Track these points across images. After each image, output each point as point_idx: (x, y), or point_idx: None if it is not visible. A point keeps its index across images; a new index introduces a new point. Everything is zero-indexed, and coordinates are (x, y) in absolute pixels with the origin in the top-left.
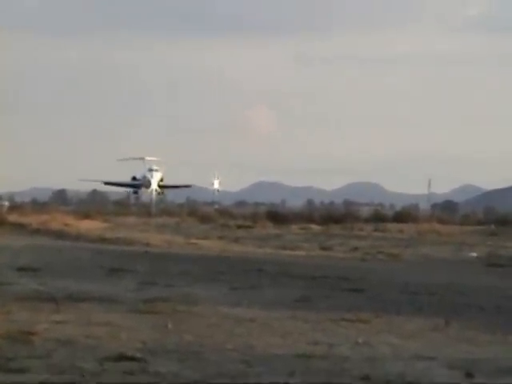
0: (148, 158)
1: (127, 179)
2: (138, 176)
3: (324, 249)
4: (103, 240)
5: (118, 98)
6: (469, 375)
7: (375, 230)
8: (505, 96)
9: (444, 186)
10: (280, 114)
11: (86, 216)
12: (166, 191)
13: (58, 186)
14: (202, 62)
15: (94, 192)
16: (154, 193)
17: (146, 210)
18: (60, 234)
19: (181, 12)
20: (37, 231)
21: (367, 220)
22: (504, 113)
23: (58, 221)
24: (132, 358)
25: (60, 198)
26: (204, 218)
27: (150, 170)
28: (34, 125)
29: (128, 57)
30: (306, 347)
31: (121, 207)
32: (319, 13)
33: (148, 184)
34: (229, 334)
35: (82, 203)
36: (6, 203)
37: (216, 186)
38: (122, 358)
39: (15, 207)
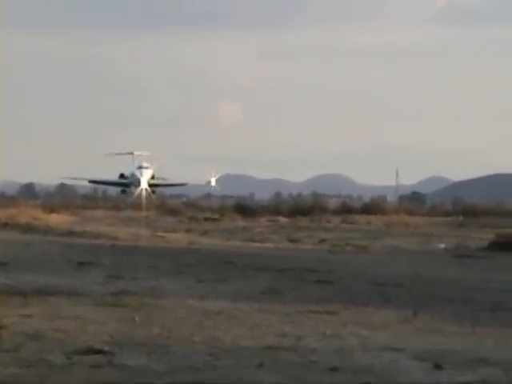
0: (137, 153)
1: (111, 176)
2: (127, 173)
3: (292, 241)
4: (71, 234)
5: (96, 93)
6: (437, 366)
7: (343, 222)
8: (472, 87)
9: (412, 178)
10: (246, 107)
11: (54, 210)
12: (158, 190)
13: (26, 180)
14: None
15: (62, 185)
16: (144, 192)
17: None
18: (28, 228)
19: (157, 10)
20: (4, 225)
21: (335, 212)
22: (471, 104)
23: (26, 214)
24: (100, 351)
25: (28, 191)
26: (171, 211)
27: (140, 168)
28: (8, 118)
29: (107, 52)
30: (273, 339)
31: (89, 201)
32: (283, 8)
33: (137, 183)
34: (196, 326)
35: (50, 197)
36: None
37: (213, 183)
38: (89, 351)
39: None
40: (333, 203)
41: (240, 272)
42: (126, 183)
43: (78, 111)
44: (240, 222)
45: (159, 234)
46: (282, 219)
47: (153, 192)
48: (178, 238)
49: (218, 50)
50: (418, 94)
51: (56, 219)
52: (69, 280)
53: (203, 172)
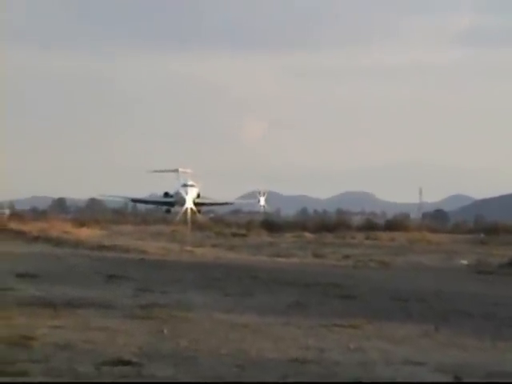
0: (182, 170)
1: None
2: (171, 192)
3: (317, 256)
4: (101, 247)
5: (109, 109)
6: (457, 379)
7: (367, 239)
8: (494, 107)
9: (435, 196)
10: (271, 124)
11: (85, 224)
12: (204, 208)
13: (57, 195)
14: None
15: (92, 200)
16: (189, 211)
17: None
18: (59, 242)
19: (175, 27)
20: (36, 238)
21: (359, 228)
22: (494, 123)
23: (57, 228)
24: (128, 363)
25: (59, 206)
26: (199, 226)
27: (185, 186)
28: (36, 135)
29: (127, 69)
30: (298, 352)
31: (118, 215)
32: (304, 28)
33: (183, 201)
34: (223, 339)
35: (80, 211)
36: (7, 211)
37: (262, 202)
38: (118, 362)
39: (15, 215)
40: (357, 220)
41: (266, 286)
42: (171, 202)
43: (104, 130)
44: (266, 237)
45: (187, 248)
46: (308, 235)
47: (198, 211)
48: (205, 253)
49: (241, 69)
50: (438, 113)
51: (86, 233)
52: (98, 293)
53: (230, 188)
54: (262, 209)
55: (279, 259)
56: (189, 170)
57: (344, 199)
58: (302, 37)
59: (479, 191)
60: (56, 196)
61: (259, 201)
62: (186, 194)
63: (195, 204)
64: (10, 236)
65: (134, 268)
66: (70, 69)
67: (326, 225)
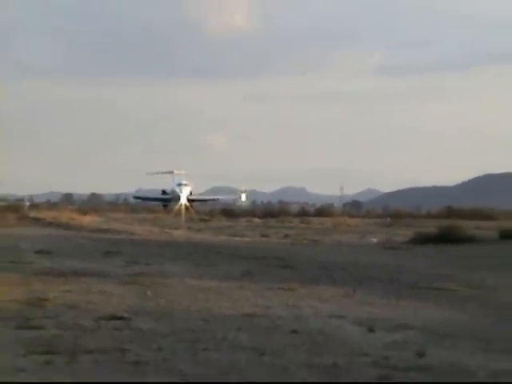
0: (177, 172)
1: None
2: (168, 190)
3: (263, 236)
4: (99, 230)
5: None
6: (370, 330)
7: (301, 222)
8: (398, 126)
9: (352, 190)
10: (233, 137)
11: (87, 213)
12: (194, 204)
13: (66, 191)
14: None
15: (93, 195)
16: (183, 207)
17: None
18: (67, 226)
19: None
20: (50, 224)
21: (295, 215)
22: (398, 137)
23: (66, 216)
24: (120, 318)
25: (67, 199)
26: (175, 213)
27: (179, 185)
28: (49, 143)
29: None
30: (249, 309)
31: (113, 206)
32: (261, 59)
33: (178, 198)
34: (192, 299)
35: (83, 203)
36: (27, 203)
37: (243, 198)
38: (112, 317)
39: (34, 206)
40: (293, 208)
41: (225, 259)
42: (168, 199)
43: (103, 143)
44: (225, 222)
45: (166, 230)
46: (256, 220)
47: (190, 206)
48: (180, 234)
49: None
50: (358, 129)
51: (88, 220)
52: (97, 265)
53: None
54: (242, 203)
55: (235, 238)
56: (183, 172)
57: (284, 193)
58: (256, 68)
59: (385, 187)
60: (65, 191)
61: (241, 197)
62: (181, 192)
63: (188, 200)
64: (29, 222)
65: (124, 246)
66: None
67: (270, 212)
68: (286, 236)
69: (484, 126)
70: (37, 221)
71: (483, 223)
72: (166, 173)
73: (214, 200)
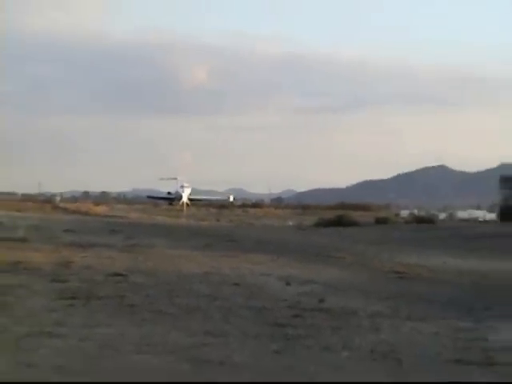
0: (180, 178)
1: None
2: (172, 191)
3: (217, 221)
4: (107, 216)
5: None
6: (288, 284)
7: (242, 212)
8: (306, 144)
9: (277, 189)
10: (196, 157)
11: (99, 204)
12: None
13: (84, 189)
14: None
15: (104, 193)
16: (185, 204)
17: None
18: (86, 214)
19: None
20: (74, 212)
21: (239, 206)
22: (304, 153)
23: (85, 207)
24: (121, 275)
25: (85, 195)
26: (158, 205)
27: (182, 187)
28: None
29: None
30: (208, 269)
31: (117, 200)
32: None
33: (180, 197)
34: (170, 263)
35: (98, 198)
36: (58, 198)
37: (231, 199)
38: (116, 274)
39: (63, 200)
40: (237, 202)
41: (193, 235)
42: (172, 198)
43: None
44: (193, 210)
45: (152, 217)
46: (213, 209)
47: (189, 204)
48: (162, 219)
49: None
50: (281, 147)
51: (100, 209)
52: (105, 239)
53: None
54: (230, 202)
55: (200, 222)
56: (184, 177)
57: (230, 192)
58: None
59: (300, 187)
60: (83, 190)
61: (229, 198)
62: (183, 192)
63: (188, 199)
64: (60, 211)
65: (123, 227)
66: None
67: (223, 205)
68: (231, 221)
69: (356, 150)
70: (64, 210)
71: (364, 213)
72: (172, 179)
73: (208, 200)
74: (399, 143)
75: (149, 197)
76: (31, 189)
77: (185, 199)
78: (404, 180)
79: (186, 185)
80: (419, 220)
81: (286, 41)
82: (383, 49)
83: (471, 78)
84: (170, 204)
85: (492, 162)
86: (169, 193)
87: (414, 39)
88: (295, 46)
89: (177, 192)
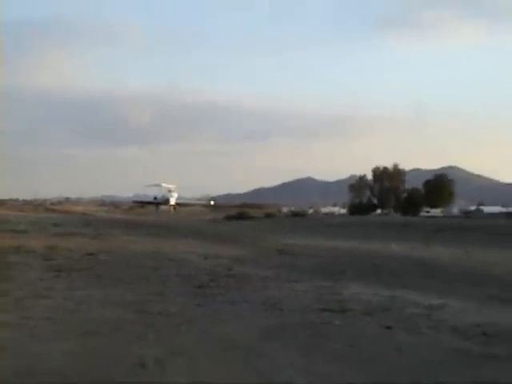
0: (164, 185)
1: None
2: (159, 196)
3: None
4: (84, 214)
5: None
6: (205, 258)
7: (175, 210)
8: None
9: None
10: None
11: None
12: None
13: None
14: None
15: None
16: (172, 208)
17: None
18: (67, 212)
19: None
20: (60, 211)
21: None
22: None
23: (67, 207)
24: (92, 254)
25: (68, 200)
26: (167, 211)
27: (170, 191)
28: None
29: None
30: (152, 249)
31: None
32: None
33: (167, 202)
34: (125, 245)
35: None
36: (48, 202)
37: (212, 203)
38: (88, 254)
39: (53, 203)
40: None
41: (146, 227)
42: (159, 202)
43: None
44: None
45: (114, 214)
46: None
47: (175, 207)
48: (122, 216)
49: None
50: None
51: (78, 209)
52: (81, 230)
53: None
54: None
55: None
56: (171, 185)
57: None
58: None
59: (216, 192)
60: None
61: (211, 201)
62: (171, 197)
63: (176, 203)
64: (49, 211)
65: (94, 221)
66: None
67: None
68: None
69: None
70: (53, 210)
71: (258, 210)
72: (155, 185)
73: (192, 205)
74: (284, 162)
75: (135, 202)
76: (29, 195)
77: (172, 202)
78: (285, 187)
79: (173, 190)
80: (294, 214)
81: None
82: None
83: (337, 116)
84: (157, 208)
85: (345, 174)
86: (155, 197)
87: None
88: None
89: (163, 196)
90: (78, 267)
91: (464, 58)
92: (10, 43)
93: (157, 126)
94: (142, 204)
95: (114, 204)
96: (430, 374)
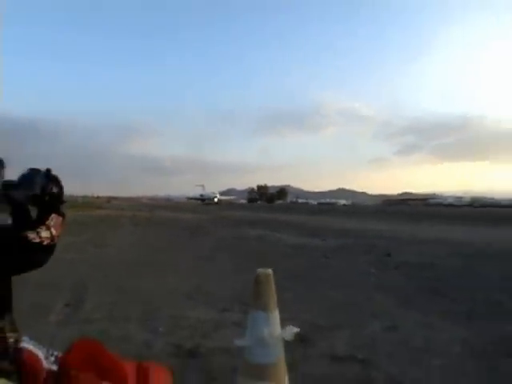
0: (203, 184)
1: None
2: (204, 194)
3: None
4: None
5: None
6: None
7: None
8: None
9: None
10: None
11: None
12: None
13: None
14: None
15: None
16: (217, 202)
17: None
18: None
19: None
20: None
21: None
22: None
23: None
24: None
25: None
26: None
27: (213, 192)
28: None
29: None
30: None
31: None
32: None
33: (213, 199)
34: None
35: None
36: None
37: (216, 200)
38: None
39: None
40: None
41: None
42: (205, 198)
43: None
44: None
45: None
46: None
47: (218, 203)
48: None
49: None
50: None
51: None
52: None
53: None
54: (216, 200)
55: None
56: (204, 185)
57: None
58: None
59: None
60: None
61: (216, 197)
62: (215, 195)
63: (218, 200)
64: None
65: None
66: None
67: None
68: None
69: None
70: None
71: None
72: (201, 185)
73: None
74: None
75: (189, 198)
76: (127, 193)
77: (216, 200)
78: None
79: (215, 191)
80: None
81: None
82: None
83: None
84: (203, 202)
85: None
86: (201, 195)
87: None
88: None
89: (209, 195)
90: (143, 224)
91: None
92: None
93: None
94: (203, 200)
95: (168, 200)
96: None
